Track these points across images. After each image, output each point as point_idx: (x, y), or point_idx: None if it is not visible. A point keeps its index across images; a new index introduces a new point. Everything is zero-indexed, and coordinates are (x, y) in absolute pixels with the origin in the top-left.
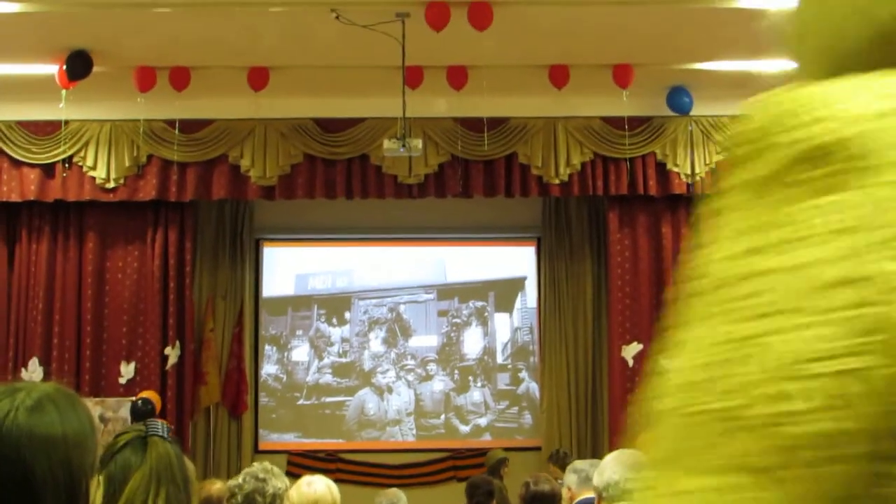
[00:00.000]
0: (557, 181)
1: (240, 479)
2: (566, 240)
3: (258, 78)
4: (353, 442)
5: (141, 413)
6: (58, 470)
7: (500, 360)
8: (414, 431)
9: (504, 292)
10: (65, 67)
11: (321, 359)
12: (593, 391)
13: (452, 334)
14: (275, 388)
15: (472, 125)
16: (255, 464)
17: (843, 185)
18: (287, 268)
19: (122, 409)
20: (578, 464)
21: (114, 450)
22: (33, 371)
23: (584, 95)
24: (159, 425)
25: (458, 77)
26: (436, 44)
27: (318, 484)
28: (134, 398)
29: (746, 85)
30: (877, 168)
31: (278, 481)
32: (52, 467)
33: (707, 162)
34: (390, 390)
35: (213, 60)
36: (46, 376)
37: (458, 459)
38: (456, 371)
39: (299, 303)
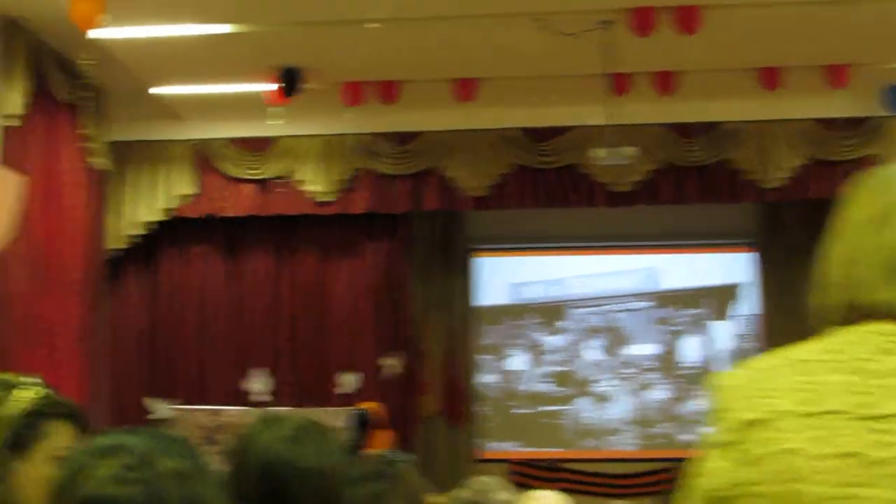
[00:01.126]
0: (772, 186)
1: (463, 491)
2: (783, 245)
3: (466, 89)
4: (573, 451)
5: (365, 423)
6: (318, 501)
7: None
8: (633, 440)
9: (720, 299)
10: (277, 85)
11: (538, 367)
12: None
13: (670, 342)
14: (492, 397)
15: (683, 131)
16: (480, 476)
17: None
18: (500, 277)
19: (343, 418)
20: None
21: (362, 477)
22: (257, 382)
23: (797, 97)
24: (401, 455)
25: (665, 82)
26: (642, 49)
27: (548, 499)
28: (355, 408)
29: None
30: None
31: (504, 493)
32: (314, 499)
33: None
34: (608, 398)
35: (421, 73)
36: (270, 387)
37: (680, 470)
38: (676, 379)
39: (514, 312)
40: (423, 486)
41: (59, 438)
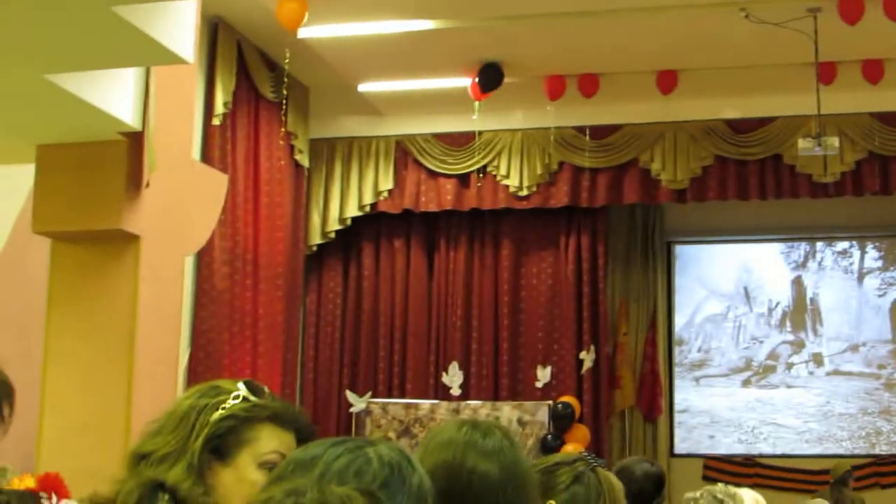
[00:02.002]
0: None
1: (697, 494)
2: None
3: (667, 81)
4: (769, 445)
5: (561, 417)
6: None
7: None
8: (833, 435)
9: None
10: (477, 80)
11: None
12: None
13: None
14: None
15: (891, 120)
16: (718, 484)
17: None
18: (699, 269)
19: (539, 412)
20: None
21: (561, 482)
22: (453, 375)
23: None
24: (593, 458)
25: (873, 71)
26: (849, 37)
27: (744, 495)
28: (552, 402)
29: None
30: None
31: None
32: None
33: None
34: (807, 389)
35: (621, 66)
36: (466, 380)
37: (880, 465)
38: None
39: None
40: (619, 491)
41: (265, 443)
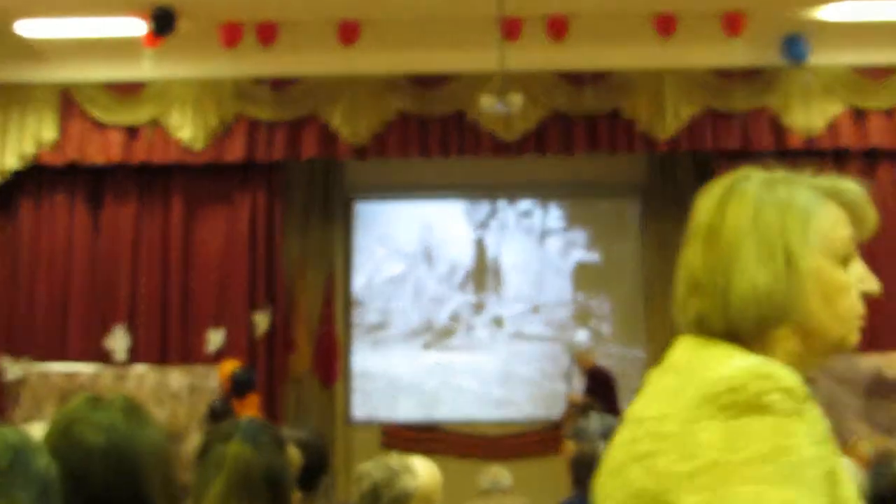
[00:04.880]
0: (664, 137)
1: (370, 466)
2: (672, 199)
3: (349, 32)
4: (449, 411)
5: (241, 382)
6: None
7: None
8: (512, 397)
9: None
10: (149, 24)
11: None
12: None
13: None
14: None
15: (574, 79)
16: (392, 454)
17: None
18: (379, 227)
19: (210, 377)
20: None
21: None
22: (119, 338)
23: (692, 45)
24: (246, 427)
25: (557, 28)
26: None
27: (417, 464)
28: (238, 368)
29: (868, 31)
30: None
31: (412, 479)
32: (158, 478)
33: (825, 116)
34: (484, 350)
35: (301, 14)
36: (134, 343)
37: (559, 430)
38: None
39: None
40: (272, 469)
41: None
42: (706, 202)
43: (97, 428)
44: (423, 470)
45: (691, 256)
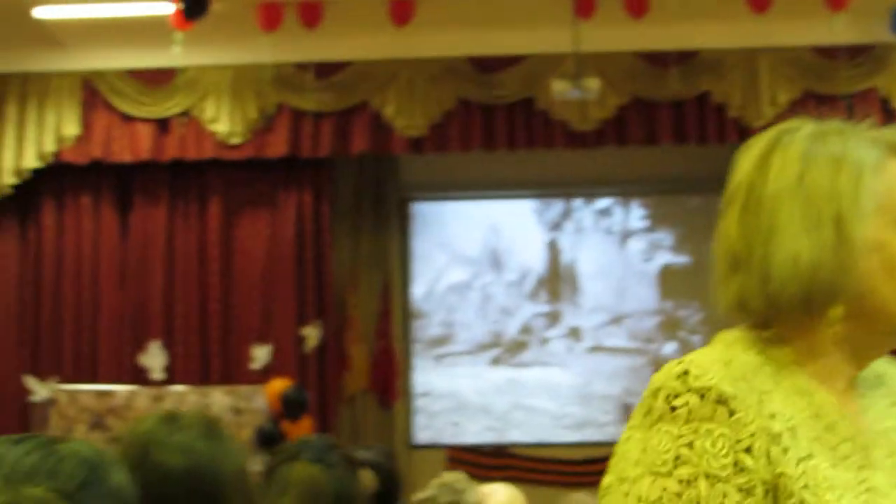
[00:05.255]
0: (759, 124)
1: (431, 492)
2: None
3: (402, 10)
4: (522, 432)
5: (293, 404)
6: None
7: None
8: (593, 417)
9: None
10: (179, 5)
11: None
12: None
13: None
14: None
15: (657, 60)
16: (445, 474)
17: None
18: (441, 230)
19: (255, 397)
20: None
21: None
22: (154, 356)
23: (790, 21)
24: (314, 445)
25: (637, 3)
26: None
27: (499, 494)
28: (289, 385)
29: None
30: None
31: (473, 494)
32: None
33: None
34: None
35: None
36: (170, 361)
37: None
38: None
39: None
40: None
41: None
42: (746, 159)
43: (176, 449)
44: (504, 495)
45: (729, 225)
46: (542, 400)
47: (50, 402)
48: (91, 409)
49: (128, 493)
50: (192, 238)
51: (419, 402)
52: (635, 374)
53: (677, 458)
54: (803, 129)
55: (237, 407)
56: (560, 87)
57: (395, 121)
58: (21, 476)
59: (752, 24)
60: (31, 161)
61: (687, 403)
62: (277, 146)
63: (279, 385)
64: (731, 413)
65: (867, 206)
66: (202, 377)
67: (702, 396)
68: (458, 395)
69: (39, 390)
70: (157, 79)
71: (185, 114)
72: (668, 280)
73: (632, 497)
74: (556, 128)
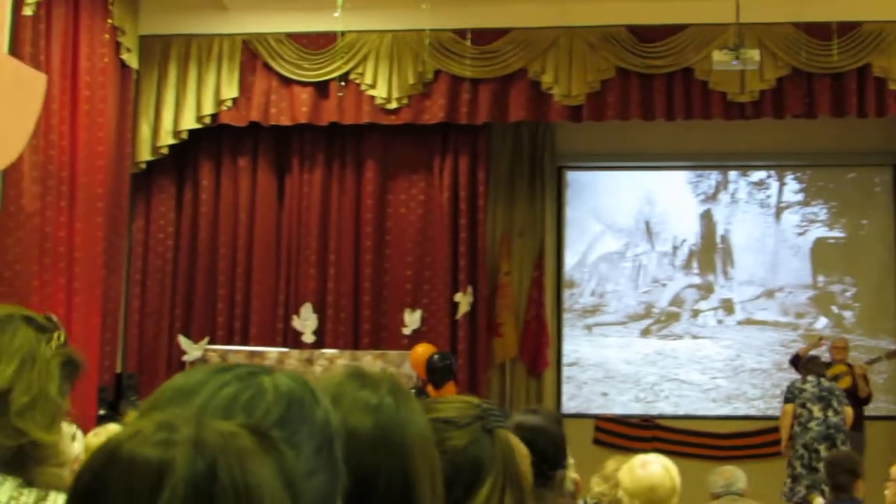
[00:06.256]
0: None
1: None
2: None
3: None
4: (670, 404)
5: (438, 370)
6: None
7: None
8: (742, 392)
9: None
10: None
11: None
12: None
13: None
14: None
15: (818, 31)
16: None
17: None
18: (594, 199)
19: (405, 363)
20: None
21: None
22: (306, 319)
23: None
24: (497, 410)
25: None
26: None
27: (654, 465)
28: (436, 352)
29: None
30: None
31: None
32: (425, 467)
33: None
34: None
35: None
36: (321, 325)
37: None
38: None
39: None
40: (525, 457)
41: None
42: None
43: (365, 408)
44: (659, 466)
45: None
46: (691, 372)
47: (202, 362)
48: None
49: (333, 429)
50: (347, 202)
51: (568, 372)
52: (786, 349)
53: None
54: None
55: (387, 372)
56: (720, 58)
57: (552, 89)
58: (216, 408)
59: None
60: (189, 122)
61: None
62: (434, 112)
63: (423, 351)
64: None
65: None
66: (352, 341)
67: None
68: (607, 365)
69: (192, 350)
70: (317, 43)
71: (343, 78)
72: (822, 254)
73: None
74: (715, 98)
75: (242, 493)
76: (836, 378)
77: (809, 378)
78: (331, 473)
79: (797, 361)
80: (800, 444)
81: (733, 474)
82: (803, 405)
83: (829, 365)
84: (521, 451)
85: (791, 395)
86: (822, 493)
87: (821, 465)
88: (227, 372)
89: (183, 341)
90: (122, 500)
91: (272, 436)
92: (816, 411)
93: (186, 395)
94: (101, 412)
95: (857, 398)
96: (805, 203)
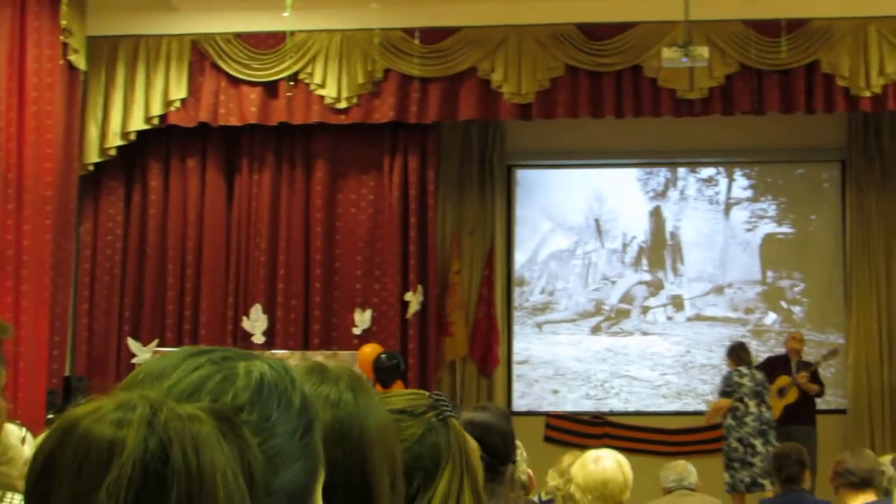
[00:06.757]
0: (868, 94)
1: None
2: (877, 163)
3: None
4: (619, 401)
5: (385, 369)
6: (386, 461)
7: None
8: (690, 385)
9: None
10: None
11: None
12: None
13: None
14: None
15: (767, 28)
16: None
17: None
18: (543, 197)
19: (356, 363)
20: None
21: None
22: (256, 319)
23: None
24: (447, 401)
25: None
26: None
27: (606, 460)
28: (384, 352)
29: None
30: None
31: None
32: (383, 458)
33: None
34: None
35: None
36: (271, 326)
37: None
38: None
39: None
40: (475, 451)
41: None
42: None
43: (324, 403)
44: (611, 462)
45: None
46: (641, 369)
47: None
48: None
49: (308, 417)
50: (296, 202)
51: (519, 370)
52: None
53: None
54: None
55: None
56: (670, 55)
57: (502, 87)
58: (180, 391)
59: None
60: (137, 123)
61: None
62: (384, 111)
63: (371, 351)
64: None
65: None
66: (303, 342)
67: None
68: (557, 362)
69: (141, 352)
70: (266, 42)
71: (292, 78)
72: (771, 250)
73: None
74: (664, 95)
75: (195, 475)
76: (781, 392)
77: (744, 371)
78: (309, 459)
79: (807, 366)
80: (734, 437)
81: (685, 469)
82: (741, 399)
83: (772, 367)
84: (472, 444)
85: (730, 389)
86: (762, 487)
87: (757, 460)
88: (202, 355)
89: (132, 344)
90: (73, 477)
91: (235, 420)
92: (752, 406)
93: (157, 378)
94: (50, 416)
95: (809, 397)
96: (754, 199)
